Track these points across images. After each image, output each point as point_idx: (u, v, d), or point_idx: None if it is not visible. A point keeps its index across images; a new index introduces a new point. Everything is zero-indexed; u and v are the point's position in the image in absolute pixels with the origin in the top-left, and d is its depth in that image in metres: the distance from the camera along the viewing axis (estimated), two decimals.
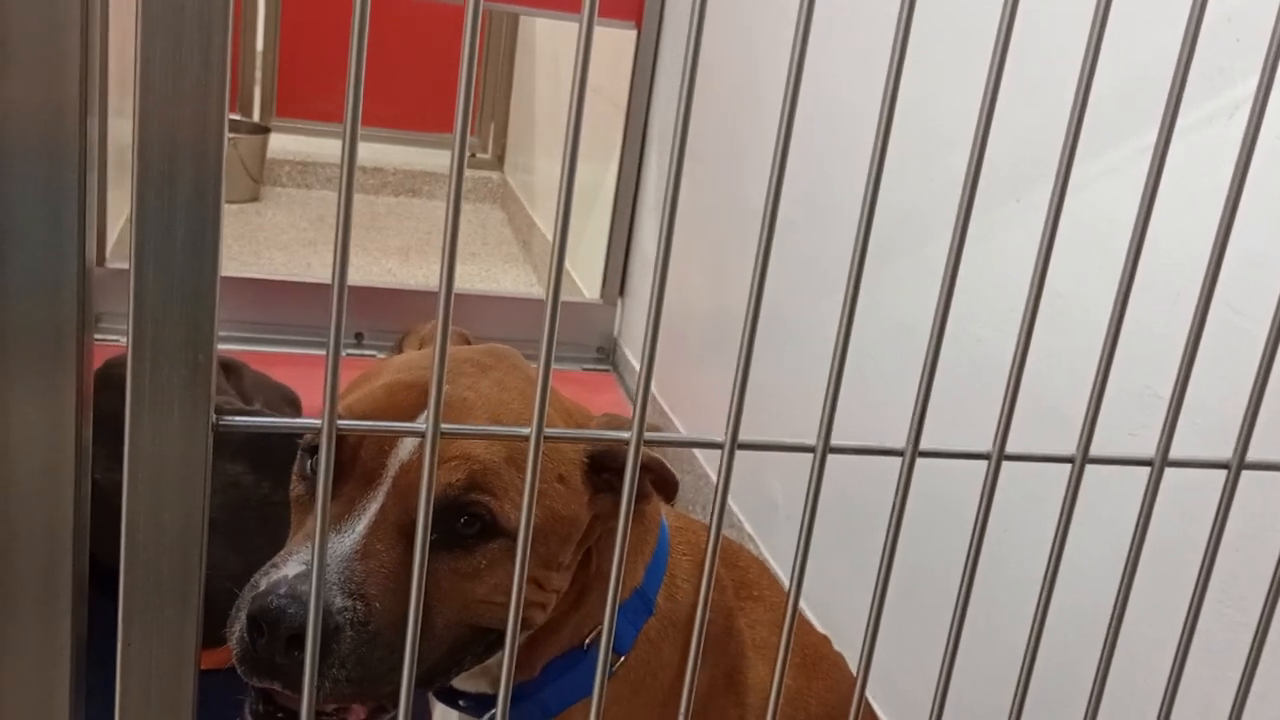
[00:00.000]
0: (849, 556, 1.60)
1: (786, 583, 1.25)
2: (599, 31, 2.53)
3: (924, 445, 0.55)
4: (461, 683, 0.89)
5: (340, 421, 0.48)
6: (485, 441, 0.77)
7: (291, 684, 0.73)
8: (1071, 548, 0.59)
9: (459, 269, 3.90)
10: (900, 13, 0.48)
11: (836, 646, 1.14)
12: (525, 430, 0.50)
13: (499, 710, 0.53)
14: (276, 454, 1.33)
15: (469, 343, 0.94)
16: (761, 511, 1.87)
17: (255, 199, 3.76)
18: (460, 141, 0.47)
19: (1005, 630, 1.24)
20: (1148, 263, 0.57)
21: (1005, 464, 0.56)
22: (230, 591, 0.77)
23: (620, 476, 0.83)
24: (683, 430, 2.26)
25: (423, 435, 0.48)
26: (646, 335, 0.50)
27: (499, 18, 4.07)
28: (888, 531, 0.55)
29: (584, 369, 2.58)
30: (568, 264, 3.03)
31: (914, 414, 0.55)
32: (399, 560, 0.76)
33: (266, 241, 3.40)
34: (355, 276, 3.17)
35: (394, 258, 3.42)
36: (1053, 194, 0.53)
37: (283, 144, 3.98)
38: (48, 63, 0.43)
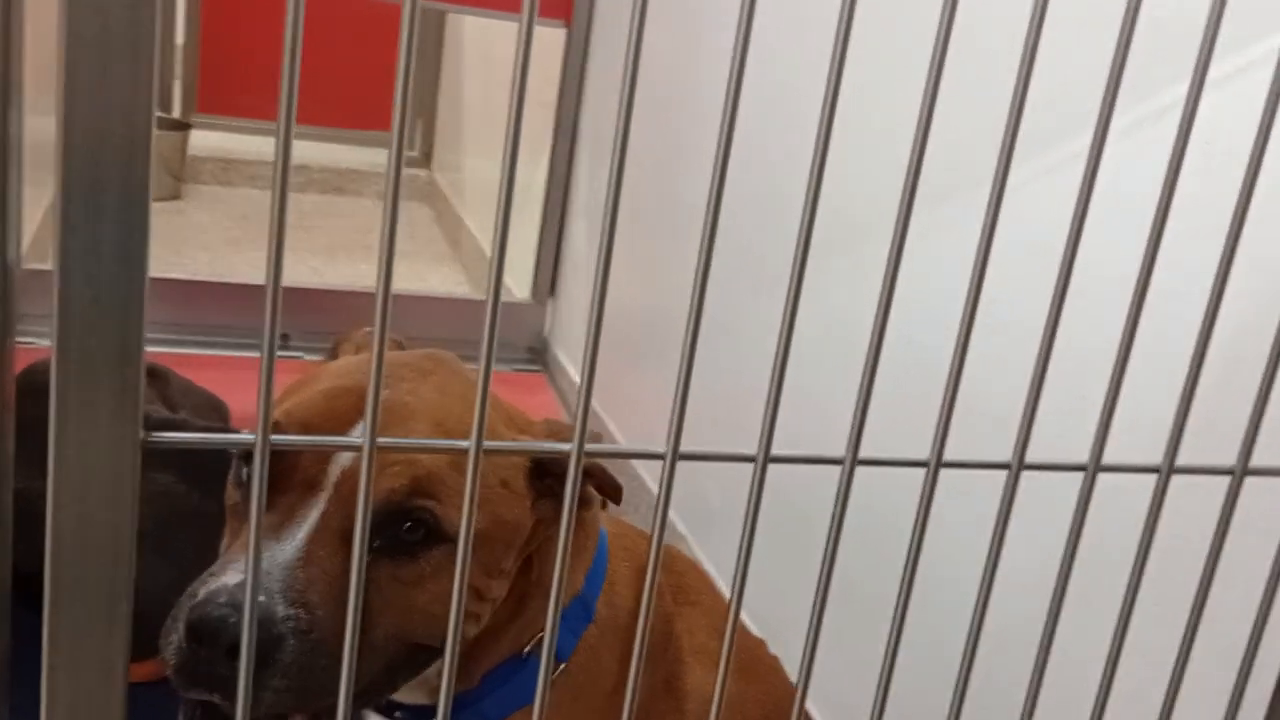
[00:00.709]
0: (786, 560, 1.61)
1: (724, 588, 1.25)
2: (534, 31, 2.52)
3: (864, 453, 0.55)
4: (398, 693, 0.88)
5: (274, 436, 0.46)
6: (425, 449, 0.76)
7: (231, 695, 0.71)
8: (1011, 553, 0.60)
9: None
10: (841, 12, 0.48)
11: (772, 649, 1.15)
12: (465, 444, 0.49)
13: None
14: (206, 463, 1.30)
15: (403, 348, 0.93)
16: (698, 515, 1.87)
17: (176, 197, 3.69)
18: (398, 143, 0.46)
19: (943, 635, 1.25)
20: (1084, 267, 0.58)
21: (944, 471, 0.57)
22: (161, 602, 0.75)
23: (563, 481, 0.83)
24: (617, 432, 2.25)
25: (359, 450, 0.47)
26: (587, 347, 0.50)
27: (426, 14, 4.03)
28: (828, 539, 0.55)
29: (515, 369, 2.56)
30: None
31: (853, 422, 0.55)
32: (342, 568, 0.75)
33: (189, 241, 3.34)
34: (243, 275, 3.12)
35: (320, 257, 3.38)
36: (991, 197, 0.53)
37: (204, 141, 3.90)
38: None
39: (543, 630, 0.87)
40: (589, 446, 0.50)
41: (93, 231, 0.41)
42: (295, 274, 3.14)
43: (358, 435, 0.73)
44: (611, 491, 0.84)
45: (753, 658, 1.07)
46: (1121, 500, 0.77)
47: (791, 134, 1.68)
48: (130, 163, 0.41)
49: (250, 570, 0.47)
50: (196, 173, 3.87)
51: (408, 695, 0.89)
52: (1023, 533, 1.09)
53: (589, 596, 0.91)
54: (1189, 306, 0.99)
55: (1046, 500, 0.99)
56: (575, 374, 2.53)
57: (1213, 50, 0.55)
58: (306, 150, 4.01)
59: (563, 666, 0.88)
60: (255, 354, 0.47)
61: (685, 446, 0.52)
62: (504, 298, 3.02)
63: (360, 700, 0.82)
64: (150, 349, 0.44)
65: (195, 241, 3.35)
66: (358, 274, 3.31)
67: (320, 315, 2.41)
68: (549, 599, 0.87)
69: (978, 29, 1.23)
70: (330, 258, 3.38)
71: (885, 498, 1.19)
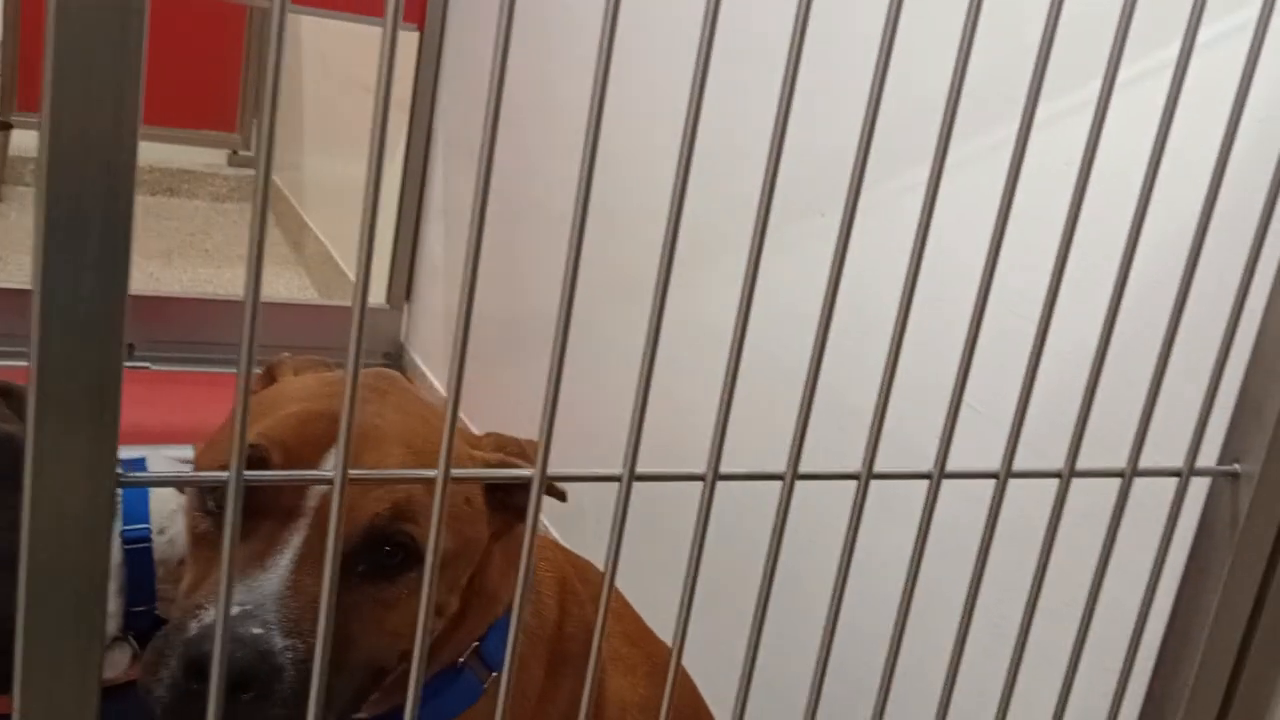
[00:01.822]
0: (662, 564, 1.64)
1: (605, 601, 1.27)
2: (376, 32, 2.49)
3: (725, 468, 0.57)
4: None
5: (247, 473, 0.47)
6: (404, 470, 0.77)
7: None
8: (871, 555, 0.64)
9: (227, 272, 3.72)
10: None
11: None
12: (432, 472, 0.50)
13: None
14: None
15: (328, 367, 0.93)
16: (569, 519, 1.89)
17: None
18: (377, 160, 0.47)
19: (807, 627, 1.30)
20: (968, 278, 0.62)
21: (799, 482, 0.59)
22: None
23: (513, 494, 0.85)
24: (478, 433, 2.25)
25: (330, 483, 0.48)
26: (552, 372, 0.51)
27: (262, 11, 3.93)
28: (768, 556, 0.58)
29: None
30: (349, 270, 2.97)
31: (714, 437, 0.57)
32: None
33: (13, 245, 3.19)
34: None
35: (156, 261, 3.26)
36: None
37: (26, 140, 3.72)
38: None
39: (478, 640, 0.89)
40: (551, 472, 0.52)
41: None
42: (132, 280, 3.03)
43: (333, 459, 0.76)
44: (559, 494, 0.88)
45: (664, 662, 1.10)
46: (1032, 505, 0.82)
47: (655, 141, 1.71)
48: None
49: (221, 606, 0.47)
50: (18, 174, 3.69)
51: None
52: (874, 536, 1.15)
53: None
54: (1090, 314, 1.06)
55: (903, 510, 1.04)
56: (433, 378, 2.52)
57: (1035, 101, 0.59)
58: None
59: (493, 675, 0.89)
60: None
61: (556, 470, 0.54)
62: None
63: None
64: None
65: (20, 246, 3.19)
66: (196, 278, 3.21)
67: (166, 325, 2.33)
68: (487, 608, 0.88)
69: (838, 40, 1.28)
70: (166, 262, 3.28)
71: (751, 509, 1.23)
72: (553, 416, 0.52)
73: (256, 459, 0.77)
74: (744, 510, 1.34)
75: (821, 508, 1.28)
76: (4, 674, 0.48)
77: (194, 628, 0.71)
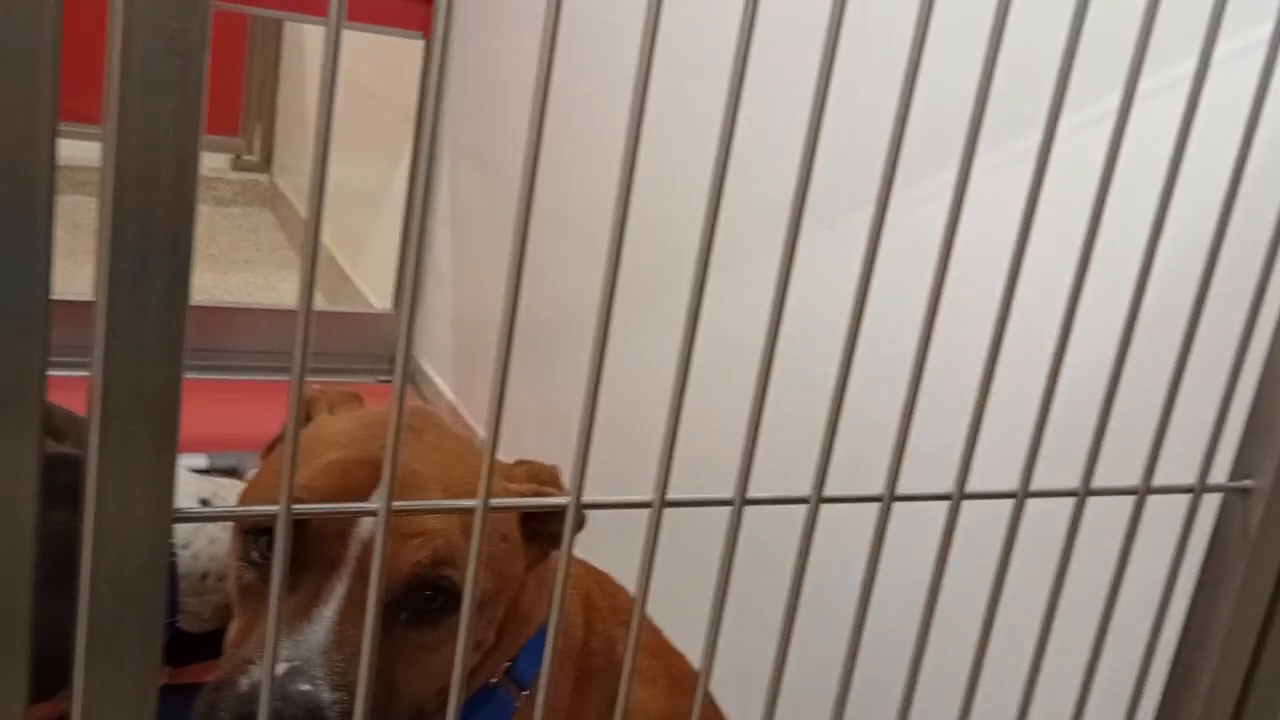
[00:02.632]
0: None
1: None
2: (385, 40, 2.50)
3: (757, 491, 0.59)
4: None
5: (296, 505, 0.48)
6: (441, 518, 0.78)
7: None
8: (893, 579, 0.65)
9: (232, 277, 3.71)
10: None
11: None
12: (472, 502, 0.52)
13: None
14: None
15: (361, 401, 0.94)
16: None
17: None
18: (425, 170, 0.48)
19: (824, 647, 1.32)
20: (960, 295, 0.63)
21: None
22: (65, 642, 0.73)
23: (547, 523, 0.86)
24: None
25: (374, 514, 0.49)
26: (584, 409, 0.53)
27: (260, 18, 3.94)
28: (793, 578, 0.60)
29: (379, 381, 2.54)
30: (356, 275, 2.98)
31: (741, 463, 0.59)
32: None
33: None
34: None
35: None
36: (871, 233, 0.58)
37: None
38: None
39: (511, 660, 0.90)
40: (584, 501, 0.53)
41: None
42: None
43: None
44: (579, 521, 0.90)
45: (682, 673, 1.12)
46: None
47: (688, 145, 1.73)
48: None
49: (270, 649, 0.49)
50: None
51: None
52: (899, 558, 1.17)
53: (544, 626, 0.94)
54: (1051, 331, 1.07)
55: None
56: (440, 383, 2.54)
57: (977, 131, 0.61)
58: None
59: (525, 693, 0.91)
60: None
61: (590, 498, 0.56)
62: (364, 308, 2.97)
63: None
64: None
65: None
66: (202, 285, 3.22)
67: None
68: (520, 631, 0.90)
69: (870, 45, 1.29)
70: None
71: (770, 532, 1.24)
72: (587, 449, 0.54)
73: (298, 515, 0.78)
74: (757, 515, 1.35)
75: (833, 515, 1.29)
76: (47, 682, 0.49)
77: (244, 684, 0.72)
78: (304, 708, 0.71)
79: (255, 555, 0.81)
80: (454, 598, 0.81)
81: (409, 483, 0.81)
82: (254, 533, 0.81)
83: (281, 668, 0.72)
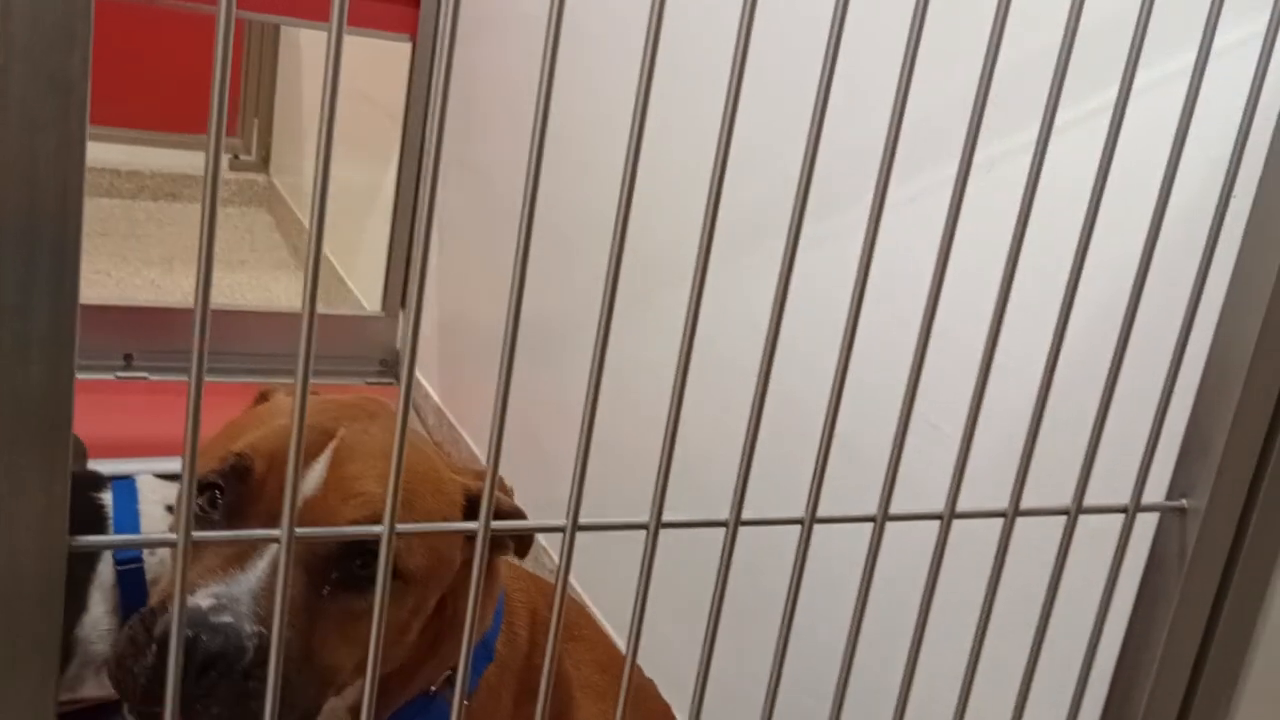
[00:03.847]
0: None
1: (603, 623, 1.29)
2: (372, 44, 2.50)
3: (745, 513, 0.60)
4: None
5: (195, 534, 0.48)
6: (382, 483, 0.80)
7: (193, 714, 0.75)
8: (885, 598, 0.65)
9: (227, 278, 3.71)
10: (742, 22, 0.53)
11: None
12: (378, 529, 0.52)
13: None
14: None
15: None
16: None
17: None
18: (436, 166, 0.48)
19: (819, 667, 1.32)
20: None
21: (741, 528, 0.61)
22: None
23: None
24: (471, 441, 2.27)
25: (277, 541, 0.49)
26: (581, 436, 0.53)
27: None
28: (787, 598, 0.60)
29: (368, 383, 2.55)
30: (346, 277, 2.99)
31: (736, 485, 0.59)
32: (301, 595, 0.79)
33: None
34: (118, 290, 3.03)
35: (156, 268, 3.28)
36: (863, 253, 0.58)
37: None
38: None
39: (452, 668, 0.91)
40: (495, 526, 0.54)
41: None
42: (131, 286, 3.06)
43: (317, 471, 0.82)
44: (523, 542, 0.93)
45: (638, 685, 1.12)
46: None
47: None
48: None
49: (176, 613, 0.49)
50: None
51: None
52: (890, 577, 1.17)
53: (490, 637, 0.95)
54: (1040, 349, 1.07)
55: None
56: (429, 387, 2.54)
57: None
58: (137, 155, 3.88)
59: (465, 704, 0.91)
60: (95, 375, 0.47)
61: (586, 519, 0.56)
62: (354, 310, 2.96)
63: None
64: None
65: None
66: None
67: (165, 335, 2.35)
68: (460, 637, 0.90)
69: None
70: (168, 269, 3.29)
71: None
72: (583, 473, 0.54)
73: (243, 468, 0.82)
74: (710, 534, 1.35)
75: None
76: None
77: (169, 616, 0.74)
78: (223, 635, 0.74)
79: (196, 509, 0.84)
80: None
81: (355, 449, 0.84)
82: (199, 487, 0.84)
83: (207, 602, 0.76)
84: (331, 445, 0.84)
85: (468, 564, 0.90)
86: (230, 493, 0.82)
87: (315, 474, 0.82)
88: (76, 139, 0.42)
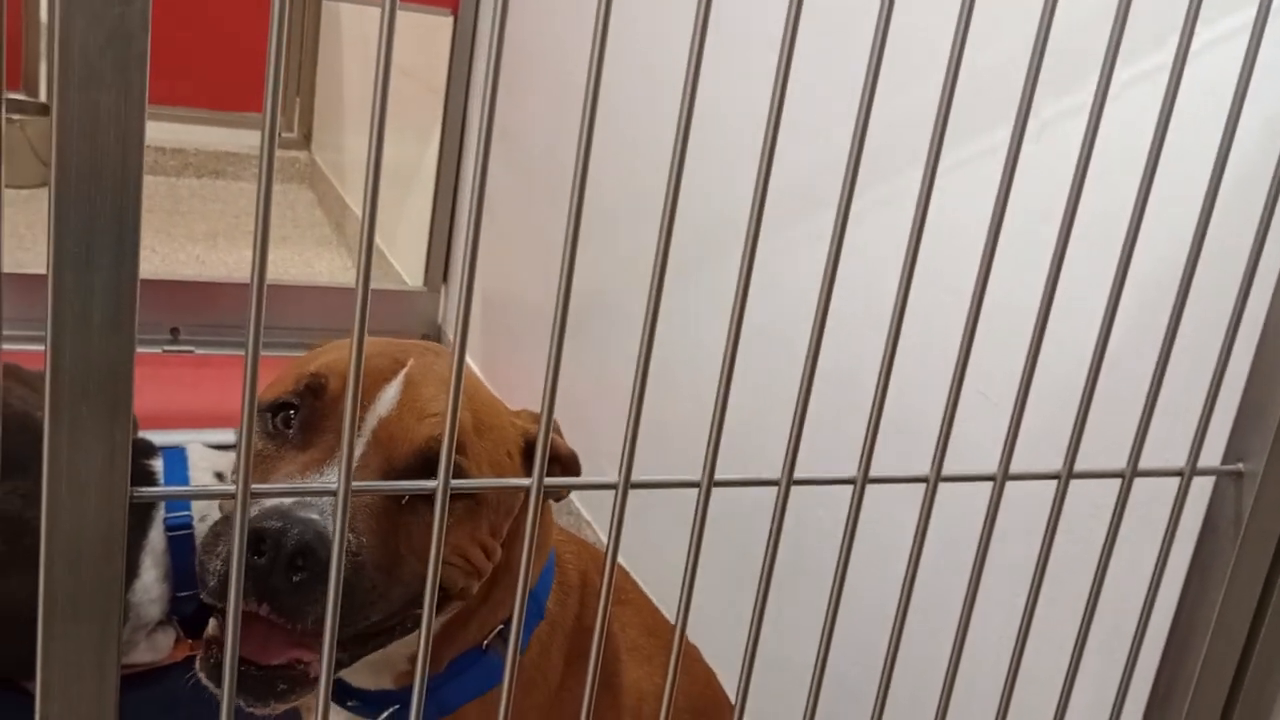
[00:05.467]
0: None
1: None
2: (413, 18, 2.50)
3: (796, 472, 0.60)
4: (360, 678, 0.91)
5: (255, 485, 0.49)
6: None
7: (280, 606, 0.74)
8: (937, 559, 0.65)
9: (272, 254, 3.78)
10: (789, 13, 0.52)
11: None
12: (432, 484, 0.52)
13: (416, 696, 0.55)
14: (34, 472, 1.28)
15: None
16: (598, 499, 1.92)
17: (46, 184, 3.57)
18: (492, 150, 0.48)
19: (867, 636, 1.31)
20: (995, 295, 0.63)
21: (870, 486, 0.61)
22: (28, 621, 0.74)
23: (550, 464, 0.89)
24: None
25: (334, 495, 0.50)
26: (634, 392, 0.53)
27: None
28: (839, 561, 0.60)
29: None
30: (388, 251, 3.00)
31: (788, 444, 0.59)
32: (380, 504, 0.80)
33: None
34: (163, 266, 3.06)
35: (201, 244, 3.31)
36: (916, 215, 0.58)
37: None
38: None
39: (504, 622, 0.92)
40: (548, 481, 0.54)
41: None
42: (176, 262, 3.08)
43: (392, 392, 0.84)
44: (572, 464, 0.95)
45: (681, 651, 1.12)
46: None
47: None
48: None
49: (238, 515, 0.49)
50: None
51: (369, 679, 0.92)
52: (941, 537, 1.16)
53: (540, 594, 0.95)
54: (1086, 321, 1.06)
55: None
56: (470, 359, 2.55)
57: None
58: (181, 133, 3.91)
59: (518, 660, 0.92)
60: (142, 349, 0.48)
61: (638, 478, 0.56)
62: (395, 285, 2.98)
63: (356, 645, 0.84)
64: (19, 347, 0.44)
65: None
66: (242, 260, 3.25)
67: (211, 309, 2.38)
68: (514, 587, 0.91)
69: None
70: (211, 244, 3.32)
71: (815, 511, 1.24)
72: (636, 430, 0.54)
73: (318, 386, 0.84)
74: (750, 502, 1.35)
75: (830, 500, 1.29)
76: (16, 660, 0.50)
77: (254, 509, 0.74)
78: (313, 529, 0.73)
79: (271, 427, 0.85)
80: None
81: (425, 375, 0.86)
82: (273, 408, 0.85)
83: (288, 501, 0.75)
84: (404, 371, 0.86)
85: (526, 505, 0.91)
86: (305, 409, 0.84)
87: (390, 394, 0.84)
88: (137, 93, 0.42)
